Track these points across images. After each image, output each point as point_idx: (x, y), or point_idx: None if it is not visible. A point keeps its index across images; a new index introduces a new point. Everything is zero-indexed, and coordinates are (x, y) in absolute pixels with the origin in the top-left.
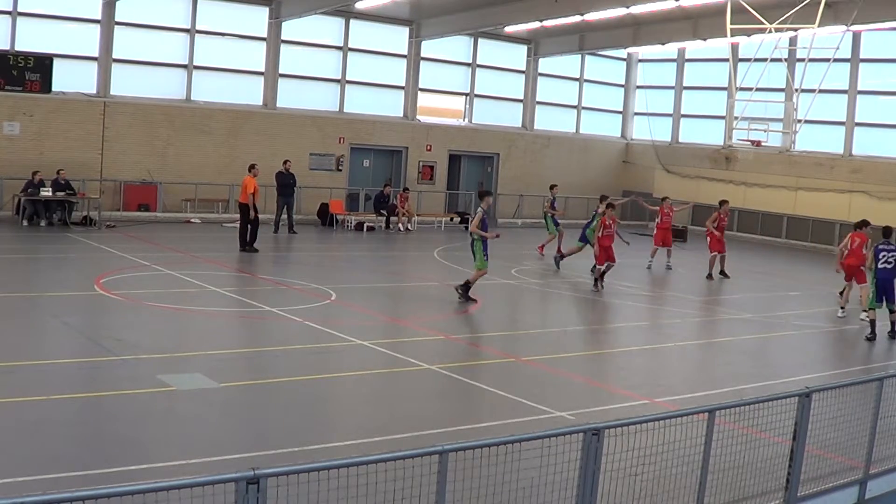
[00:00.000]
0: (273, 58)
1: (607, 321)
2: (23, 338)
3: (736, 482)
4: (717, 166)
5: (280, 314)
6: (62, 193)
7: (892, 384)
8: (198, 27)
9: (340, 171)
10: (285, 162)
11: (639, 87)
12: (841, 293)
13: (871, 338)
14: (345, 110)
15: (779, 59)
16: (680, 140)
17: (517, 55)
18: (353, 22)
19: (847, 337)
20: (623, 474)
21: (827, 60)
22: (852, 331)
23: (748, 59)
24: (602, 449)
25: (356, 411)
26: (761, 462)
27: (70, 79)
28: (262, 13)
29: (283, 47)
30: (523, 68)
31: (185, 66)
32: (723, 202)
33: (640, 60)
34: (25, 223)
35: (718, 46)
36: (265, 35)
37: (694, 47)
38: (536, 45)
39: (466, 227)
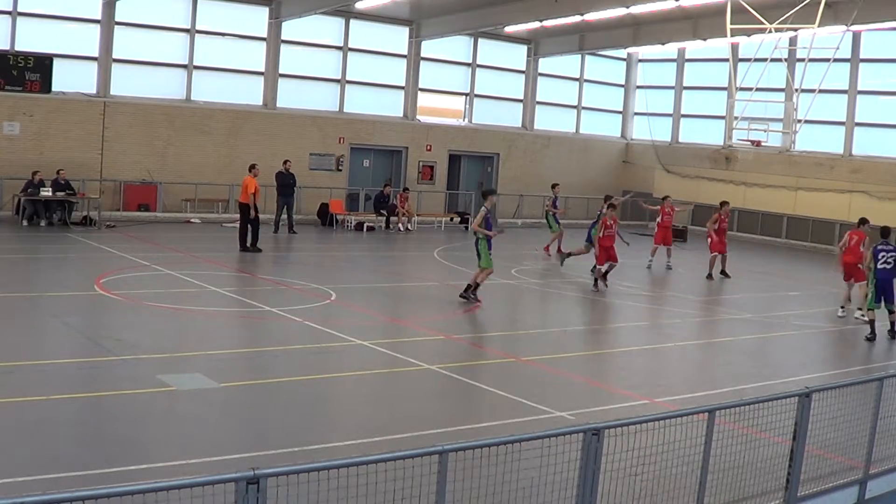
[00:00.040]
0: (273, 58)
1: (607, 321)
2: (23, 338)
3: (736, 482)
4: (717, 166)
5: (280, 314)
6: (62, 193)
7: (892, 384)
8: (198, 27)
9: (340, 171)
10: (285, 162)
11: (639, 87)
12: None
13: (871, 338)
14: (345, 110)
15: (779, 59)
16: (680, 140)
17: (517, 55)
18: (353, 22)
19: (847, 337)
20: (623, 474)
21: (827, 60)
22: (852, 331)
23: (748, 59)
24: (602, 449)
25: (356, 411)
26: (761, 462)
27: (70, 79)
28: (262, 13)
29: (283, 47)
30: (523, 68)
31: (185, 66)
32: (723, 203)
33: (640, 60)
34: (25, 223)
35: (718, 46)
36: (265, 35)
37: (694, 47)
38: (536, 45)
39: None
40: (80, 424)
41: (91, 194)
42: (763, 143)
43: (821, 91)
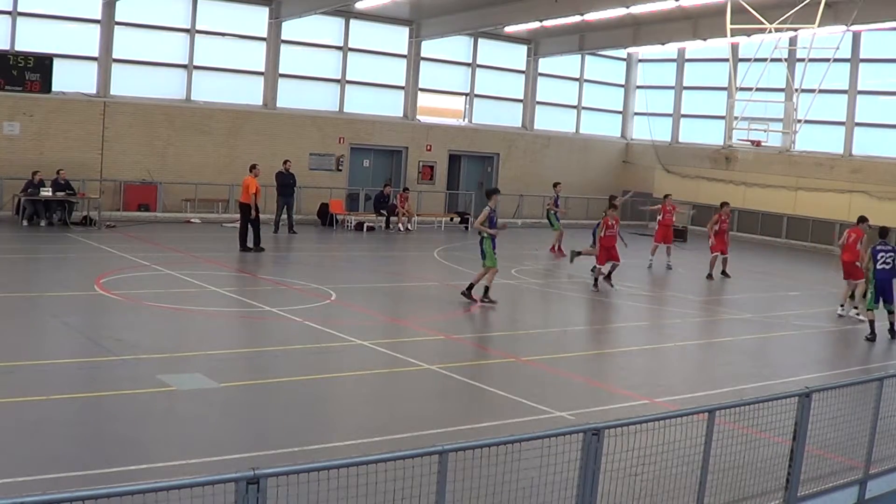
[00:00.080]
0: (273, 58)
1: (607, 321)
2: (23, 338)
3: (736, 482)
4: (717, 166)
5: (280, 314)
6: (62, 193)
7: (892, 384)
8: (198, 27)
9: (340, 171)
10: (285, 162)
11: (639, 87)
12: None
13: (871, 338)
14: (345, 110)
15: (779, 59)
16: (680, 140)
17: (517, 55)
18: (353, 22)
19: (847, 337)
20: (623, 474)
21: (827, 60)
22: (852, 331)
23: (748, 59)
24: (602, 449)
25: (356, 411)
26: (761, 462)
27: (70, 79)
28: (262, 13)
29: (283, 47)
30: (523, 68)
31: (185, 66)
32: (724, 204)
33: (640, 60)
34: (25, 223)
35: (718, 46)
36: (265, 35)
37: (694, 47)
38: (536, 45)
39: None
40: (80, 424)
41: (91, 194)
42: (763, 143)
43: (821, 91)
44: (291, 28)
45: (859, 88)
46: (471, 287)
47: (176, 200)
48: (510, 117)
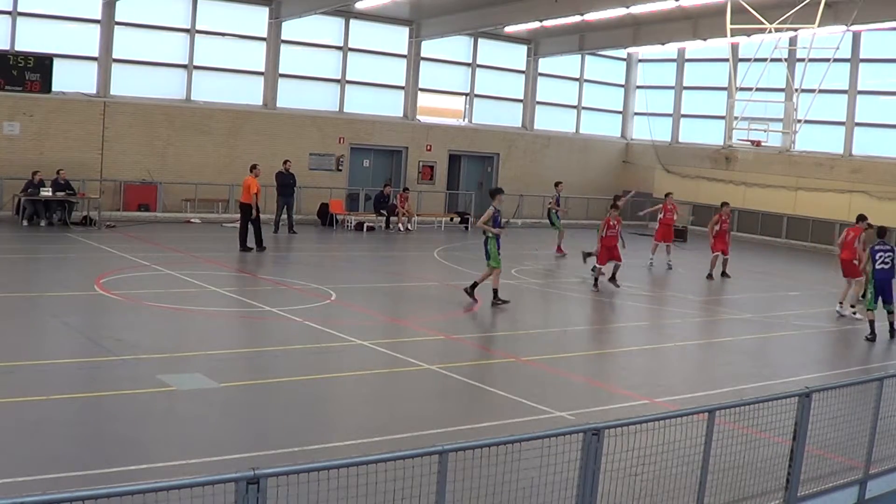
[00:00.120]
0: (273, 58)
1: (607, 321)
2: (23, 338)
3: (736, 482)
4: (717, 166)
5: (280, 314)
6: (62, 193)
7: (892, 384)
8: (198, 27)
9: (340, 171)
10: (285, 162)
11: (639, 87)
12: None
13: (871, 338)
14: (345, 110)
15: (779, 59)
16: (680, 140)
17: (517, 55)
18: (353, 22)
19: (847, 337)
20: (623, 474)
21: (827, 60)
22: (852, 331)
23: (748, 59)
24: (602, 449)
25: (356, 411)
26: (761, 462)
27: (70, 79)
28: (262, 13)
29: (283, 47)
30: (523, 68)
31: (185, 66)
32: (724, 204)
33: (640, 60)
34: (25, 223)
35: (718, 46)
36: (265, 35)
37: (694, 47)
38: (536, 45)
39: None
40: (80, 424)
41: (91, 194)
42: (763, 143)
43: (821, 91)
44: (291, 28)
45: (859, 88)
46: (474, 286)
47: (176, 200)
48: (510, 117)
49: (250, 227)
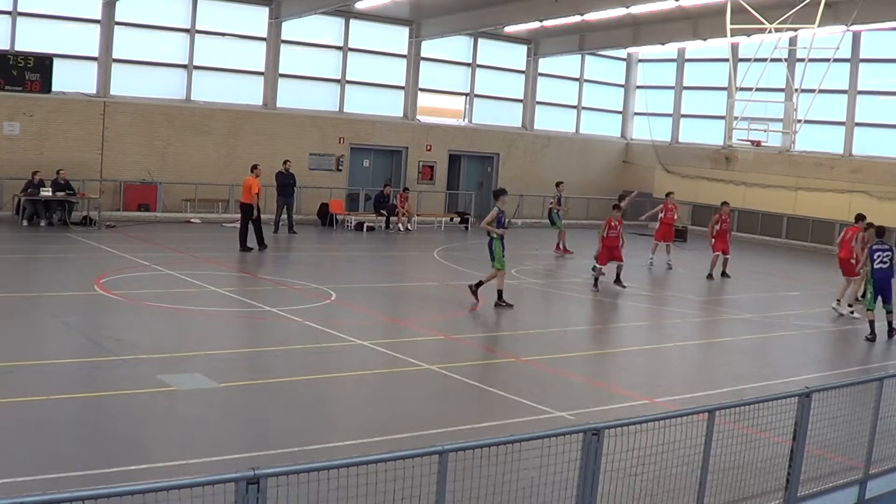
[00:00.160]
0: (273, 58)
1: (607, 321)
2: (23, 338)
3: (736, 482)
4: (717, 166)
5: (280, 314)
6: (62, 193)
7: (892, 384)
8: (198, 27)
9: (340, 171)
10: (285, 162)
11: (639, 87)
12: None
13: (871, 338)
14: (345, 110)
15: (779, 59)
16: (680, 140)
17: (517, 55)
18: (353, 22)
19: (847, 337)
20: (623, 474)
21: (827, 60)
22: (852, 331)
23: (748, 59)
24: (602, 449)
25: (356, 411)
26: (761, 462)
27: (70, 79)
28: (262, 13)
29: (283, 47)
30: (523, 68)
31: (185, 66)
32: (724, 204)
33: (640, 60)
34: (25, 223)
35: (718, 46)
36: (265, 35)
37: (694, 47)
38: (536, 45)
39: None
40: (80, 424)
41: (91, 194)
42: (763, 143)
43: (821, 91)
44: (291, 28)
45: (859, 88)
46: (479, 285)
47: (176, 200)
48: (510, 117)
49: (250, 227)
